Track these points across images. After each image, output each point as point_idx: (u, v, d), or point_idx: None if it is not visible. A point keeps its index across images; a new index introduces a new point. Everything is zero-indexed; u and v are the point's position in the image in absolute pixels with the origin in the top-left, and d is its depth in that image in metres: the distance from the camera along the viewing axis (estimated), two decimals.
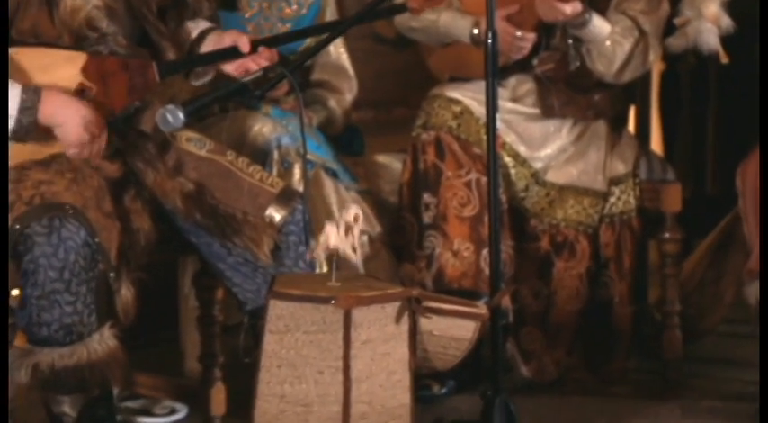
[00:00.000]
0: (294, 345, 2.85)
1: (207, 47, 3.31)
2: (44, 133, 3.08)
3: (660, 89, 4.58)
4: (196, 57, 3.33)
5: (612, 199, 3.93)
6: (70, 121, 3.06)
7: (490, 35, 3.19)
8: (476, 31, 3.85)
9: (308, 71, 4.02)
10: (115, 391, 3.16)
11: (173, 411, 3.76)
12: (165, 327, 4.06)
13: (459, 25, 3.90)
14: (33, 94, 3.02)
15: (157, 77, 3.19)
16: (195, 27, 3.37)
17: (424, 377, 3.49)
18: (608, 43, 3.83)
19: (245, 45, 3.23)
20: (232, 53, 3.25)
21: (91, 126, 3.07)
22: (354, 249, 2.89)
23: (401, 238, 3.90)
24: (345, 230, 2.88)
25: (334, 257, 2.90)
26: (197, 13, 3.36)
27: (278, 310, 2.87)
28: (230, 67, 3.27)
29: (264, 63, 3.21)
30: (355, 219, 2.89)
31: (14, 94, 3.00)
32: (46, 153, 3.11)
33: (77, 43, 3.15)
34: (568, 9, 3.74)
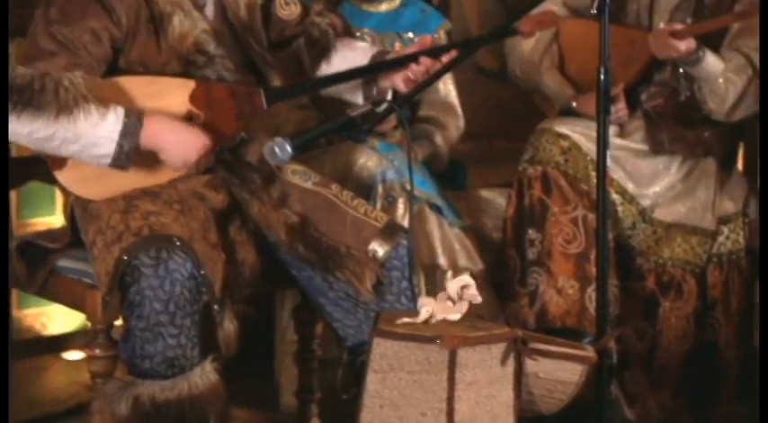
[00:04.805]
0: (397, 385, 2.81)
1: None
2: (145, 159, 3.08)
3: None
4: (303, 84, 3.32)
5: (721, 238, 3.85)
6: (174, 146, 3.06)
7: (602, 72, 3.14)
8: (574, 104, 3.85)
9: (416, 106, 3.99)
10: None
11: None
12: (259, 359, 4.04)
13: (560, 94, 3.93)
14: (136, 118, 3.02)
15: (264, 104, 3.18)
16: (352, 50, 3.35)
17: (523, 420, 3.43)
18: (721, 81, 3.76)
19: (427, 41, 3.20)
20: (347, 75, 3.23)
21: (196, 147, 3.06)
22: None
23: (504, 274, 3.84)
24: (450, 299, 2.84)
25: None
26: (327, 48, 3.35)
27: (382, 349, 2.82)
28: (399, 80, 3.24)
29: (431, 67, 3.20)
30: (462, 291, 2.85)
31: (117, 118, 3.00)
32: (153, 182, 3.11)
33: (186, 68, 3.15)
34: (683, 46, 3.68)
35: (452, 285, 2.89)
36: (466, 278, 2.92)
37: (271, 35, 3.34)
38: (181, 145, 3.07)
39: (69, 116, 2.97)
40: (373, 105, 3.10)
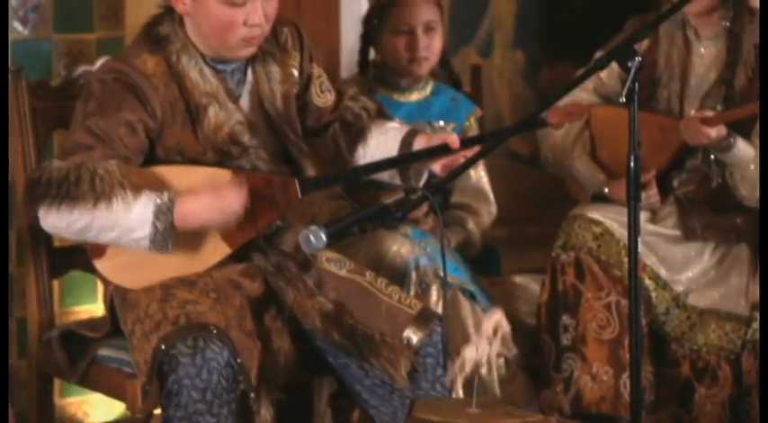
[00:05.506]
0: None
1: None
2: (184, 244, 3.12)
3: None
4: (336, 175, 3.36)
5: (755, 324, 3.84)
6: (211, 218, 3.10)
7: (632, 159, 3.18)
8: (606, 190, 3.88)
9: (448, 193, 4.03)
10: None
11: None
12: None
13: (592, 180, 3.95)
14: (167, 199, 3.06)
15: (299, 194, 3.23)
16: (383, 133, 3.39)
17: None
18: (752, 167, 3.78)
19: (454, 142, 3.24)
20: (378, 166, 3.27)
21: (234, 209, 3.09)
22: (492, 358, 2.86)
23: (538, 360, 3.85)
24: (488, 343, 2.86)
25: (474, 383, 2.87)
26: (362, 131, 3.40)
27: None
28: (437, 166, 3.28)
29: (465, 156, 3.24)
30: (495, 330, 2.87)
31: (149, 199, 3.04)
32: (190, 271, 3.15)
33: (221, 158, 3.20)
34: (713, 133, 3.71)
35: (488, 324, 2.90)
36: (497, 320, 2.91)
37: (307, 123, 3.40)
38: (217, 215, 3.10)
39: (106, 204, 3.02)
40: (406, 193, 3.14)
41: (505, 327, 2.92)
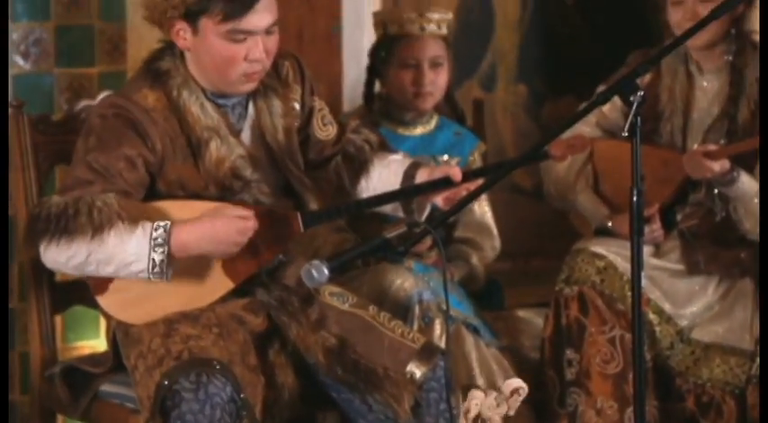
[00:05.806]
0: None
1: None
2: (188, 272, 3.11)
3: None
4: (339, 208, 3.35)
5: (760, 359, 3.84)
6: (210, 246, 3.09)
7: (635, 193, 3.17)
8: (609, 224, 3.88)
9: (452, 227, 4.03)
10: None
11: None
12: None
13: (595, 214, 3.95)
14: (163, 230, 3.05)
15: (302, 228, 3.23)
16: (386, 166, 3.39)
17: None
18: (756, 201, 3.78)
19: (457, 175, 3.24)
20: (381, 199, 3.27)
21: (235, 236, 3.08)
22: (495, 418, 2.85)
23: (542, 395, 3.84)
24: (496, 399, 2.84)
25: None
26: (364, 163, 3.39)
27: None
28: (440, 199, 3.27)
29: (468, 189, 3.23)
30: (513, 392, 2.86)
31: (144, 232, 3.04)
32: (193, 306, 3.14)
33: (222, 193, 3.20)
34: (717, 166, 3.71)
35: (508, 384, 2.89)
36: (521, 384, 2.90)
37: (310, 156, 3.40)
38: (217, 243, 3.09)
39: (102, 236, 3.01)
40: (409, 227, 3.13)
41: (521, 397, 2.89)
